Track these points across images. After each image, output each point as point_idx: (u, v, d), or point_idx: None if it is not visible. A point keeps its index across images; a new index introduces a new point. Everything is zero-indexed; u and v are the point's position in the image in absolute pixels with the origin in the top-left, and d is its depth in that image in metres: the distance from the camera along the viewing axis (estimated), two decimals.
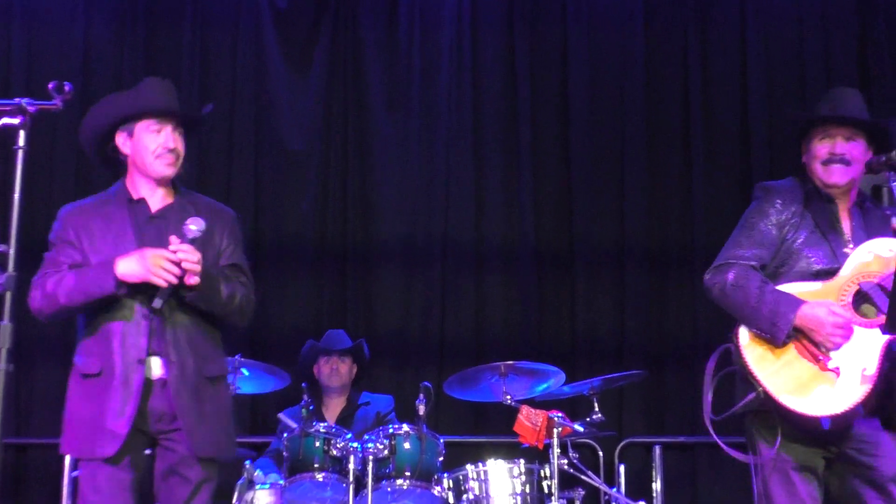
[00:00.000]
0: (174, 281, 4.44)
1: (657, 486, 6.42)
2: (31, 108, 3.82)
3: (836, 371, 4.33)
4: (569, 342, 8.09)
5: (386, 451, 6.08)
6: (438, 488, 6.14)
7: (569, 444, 6.28)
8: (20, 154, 3.81)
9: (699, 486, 7.97)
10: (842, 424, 4.36)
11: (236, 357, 6.15)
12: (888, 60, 8.38)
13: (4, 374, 3.62)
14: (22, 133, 3.82)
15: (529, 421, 6.00)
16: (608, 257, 8.25)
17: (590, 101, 8.42)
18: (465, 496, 6.13)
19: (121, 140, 4.72)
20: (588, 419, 6.25)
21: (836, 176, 4.59)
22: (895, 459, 4.41)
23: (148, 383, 4.50)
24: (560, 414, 6.03)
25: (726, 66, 8.47)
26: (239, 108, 8.33)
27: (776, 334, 4.36)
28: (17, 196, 3.79)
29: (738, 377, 4.50)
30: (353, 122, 8.37)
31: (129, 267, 4.44)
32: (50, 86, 3.87)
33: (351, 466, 5.99)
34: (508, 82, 8.43)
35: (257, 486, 6.14)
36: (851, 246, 4.53)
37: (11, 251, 3.70)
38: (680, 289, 8.18)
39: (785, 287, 4.47)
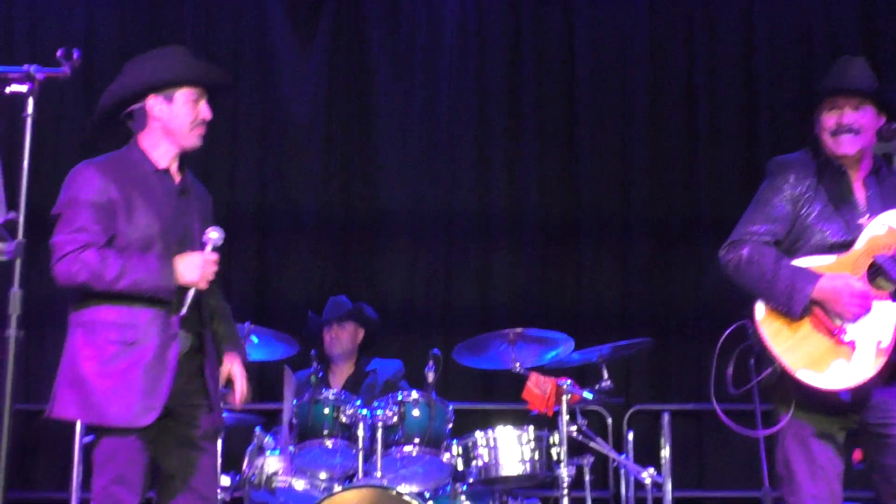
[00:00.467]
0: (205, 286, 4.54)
1: (665, 452, 6.41)
2: (39, 75, 3.81)
3: (852, 344, 4.35)
4: (574, 312, 8.11)
5: (395, 418, 6.08)
6: (447, 455, 6.15)
7: (577, 411, 6.26)
8: (28, 121, 3.80)
9: (707, 452, 8.00)
10: (861, 394, 4.37)
11: (245, 324, 6.15)
12: (893, 27, 8.33)
13: (15, 340, 3.63)
14: (30, 100, 3.80)
15: (538, 388, 6.00)
16: (613, 227, 8.26)
17: (594, 71, 8.40)
18: (473, 463, 6.13)
19: (155, 104, 4.61)
20: (597, 386, 6.25)
21: (844, 146, 4.58)
22: None
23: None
24: (569, 381, 6.03)
25: (731, 35, 8.45)
26: (242, 77, 8.31)
27: (793, 308, 4.37)
28: (25, 164, 3.79)
29: (755, 353, 4.49)
30: (357, 92, 8.36)
31: (188, 273, 4.48)
32: (58, 52, 3.84)
33: (360, 433, 6.01)
34: (513, 51, 8.41)
35: (267, 453, 6.16)
36: (867, 216, 4.53)
37: (21, 218, 3.70)
38: (684, 258, 8.18)
39: (799, 261, 4.47)
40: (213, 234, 4.56)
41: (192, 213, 4.65)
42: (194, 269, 4.47)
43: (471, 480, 6.16)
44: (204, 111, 4.67)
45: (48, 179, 7.97)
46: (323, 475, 6.17)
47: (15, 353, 3.61)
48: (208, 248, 4.55)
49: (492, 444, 6.14)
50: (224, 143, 8.22)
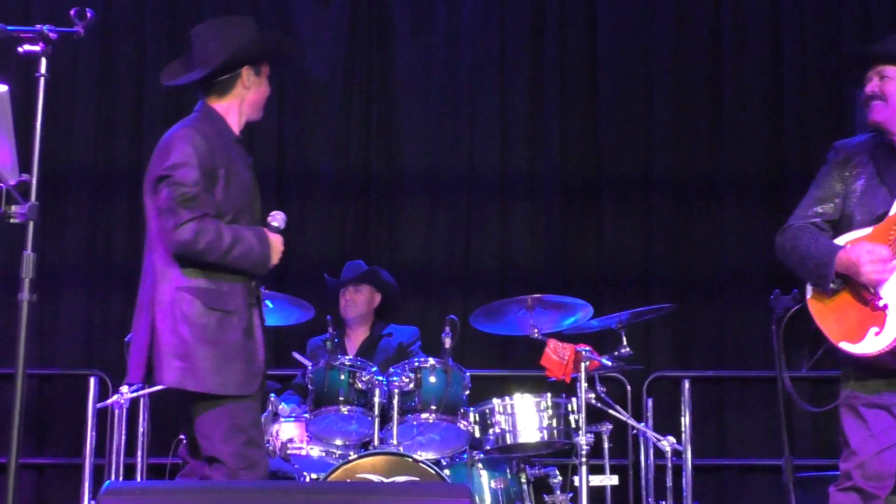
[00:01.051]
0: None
1: (685, 420, 6.36)
2: (52, 35, 3.77)
3: (886, 308, 4.42)
4: (594, 274, 8.05)
5: (411, 385, 6.05)
6: (464, 422, 6.12)
7: (596, 377, 6.23)
8: (42, 82, 3.77)
9: (728, 420, 7.95)
10: None
11: (260, 289, 6.09)
12: None
13: (28, 303, 3.60)
14: (43, 60, 3.77)
15: (556, 354, 5.95)
16: (635, 188, 8.18)
17: (618, 29, 8.32)
18: (491, 430, 6.11)
19: (249, 75, 4.75)
20: (616, 353, 6.20)
21: (872, 113, 4.63)
22: None
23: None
24: (587, 347, 5.98)
25: None
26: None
27: (823, 284, 4.50)
28: (38, 125, 3.75)
29: (811, 330, 4.60)
30: (377, 49, 8.28)
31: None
32: (72, 12, 3.80)
33: (376, 400, 5.97)
34: (536, 8, 8.32)
35: (282, 419, 6.13)
36: None
37: (34, 180, 3.67)
38: (707, 221, 8.11)
39: (843, 237, 4.57)
40: (275, 223, 4.70)
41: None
42: (275, 251, 4.65)
43: (487, 448, 6.13)
44: (268, 89, 4.85)
45: (61, 141, 7.95)
46: (338, 442, 6.14)
47: (28, 316, 3.57)
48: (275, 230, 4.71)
49: (509, 411, 6.12)
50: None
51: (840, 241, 4.55)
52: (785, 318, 4.64)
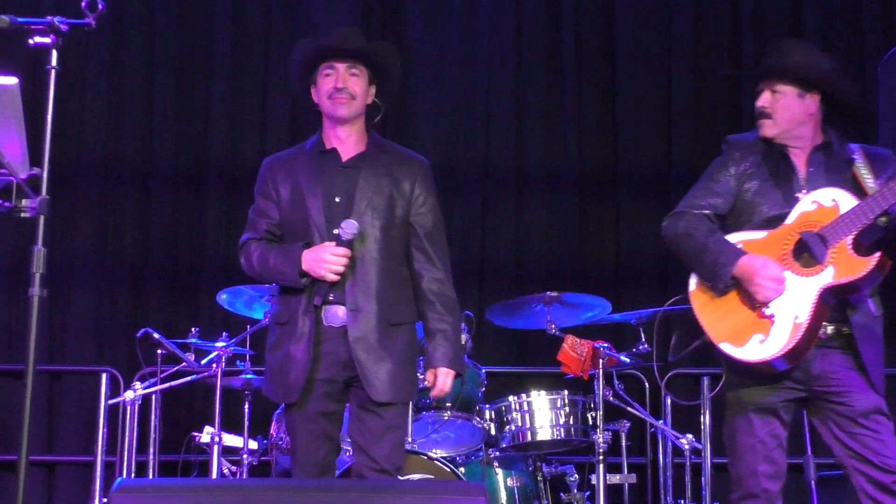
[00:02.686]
0: (335, 278, 4.52)
1: (705, 418, 6.30)
2: (63, 27, 3.72)
3: (772, 318, 4.42)
4: (612, 269, 8.01)
5: (426, 382, 5.98)
6: (480, 419, 6.10)
7: (614, 374, 6.21)
8: (52, 74, 3.73)
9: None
10: (794, 365, 4.44)
11: (272, 285, 6.03)
12: None
13: (38, 299, 3.56)
14: (54, 53, 3.72)
15: (574, 351, 5.92)
16: (653, 182, 8.12)
17: (636, 20, 8.29)
18: (507, 427, 6.09)
19: (314, 94, 4.76)
20: (634, 349, 6.15)
21: (762, 129, 4.67)
22: (865, 395, 4.48)
23: (334, 331, 4.57)
24: (606, 344, 5.94)
25: None
26: (274, 27, 8.19)
27: (716, 283, 4.50)
28: (49, 118, 3.72)
29: (687, 321, 4.65)
30: (391, 41, 8.21)
31: (310, 265, 4.52)
32: (83, 3, 3.74)
33: None
34: (552, 1, 8.25)
35: None
36: (804, 192, 4.55)
37: (44, 174, 3.63)
38: None
39: (733, 236, 4.57)
40: (347, 230, 4.52)
41: (360, 183, 4.66)
42: (315, 261, 4.51)
43: (503, 446, 6.12)
44: (336, 79, 4.68)
45: (72, 135, 7.90)
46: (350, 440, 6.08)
47: (38, 312, 3.52)
48: (335, 243, 4.55)
49: (525, 408, 6.11)
50: (256, 95, 8.16)
51: (731, 238, 4.55)
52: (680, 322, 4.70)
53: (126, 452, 6.26)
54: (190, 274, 7.91)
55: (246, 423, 6.28)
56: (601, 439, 5.83)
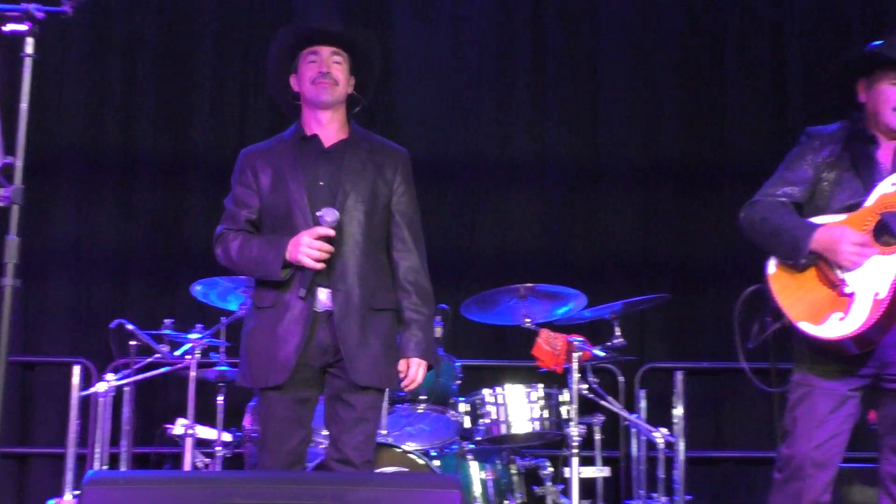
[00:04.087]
0: (316, 266, 4.47)
1: (678, 412, 6.32)
2: (38, 14, 3.70)
3: (851, 296, 4.42)
4: (592, 263, 8.00)
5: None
6: (454, 412, 6.11)
7: (588, 368, 6.22)
8: (28, 62, 3.71)
9: (721, 412, 7.92)
10: (866, 347, 4.43)
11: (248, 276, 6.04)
12: None
13: (12, 289, 3.55)
14: (30, 40, 3.70)
15: (549, 345, 5.93)
16: (635, 177, 8.14)
17: (621, 13, 8.27)
18: (481, 421, 6.09)
19: (294, 82, 4.75)
20: (608, 343, 6.17)
21: None
22: None
23: (317, 316, 4.56)
24: (580, 338, 5.95)
25: None
26: (259, 20, 8.17)
27: (796, 258, 4.48)
28: (24, 106, 3.72)
29: (768, 309, 4.59)
30: (378, 34, 8.18)
31: (291, 252, 4.50)
32: None
33: None
34: None
35: None
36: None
37: (18, 163, 3.63)
38: (709, 210, 8.08)
39: (814, 219, 4.56)
40: (328, 218, 4.51)
41: (343, 169, 4.65)
42: (294, 245, 4.49)
43: (478, 439, 6.12)
44: (320, 64, 4.67)
45: (50, 124, 7.86)
46: (326, 432, 6.06)
47: (11, 302, 3.51)
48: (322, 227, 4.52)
49: (500, 401, 6.10)
50: (238, 81, 8.15)
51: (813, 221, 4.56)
52: (744, 296, 4.66)
53: (98, 444, 6.24)
54: (169, 265, 7.88)
55: (219, 415, 6.26)
56: (575, 433, 5.85)
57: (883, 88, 4.59)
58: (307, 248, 4.45)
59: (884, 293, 4.36)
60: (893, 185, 4.49)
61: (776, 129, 8.14)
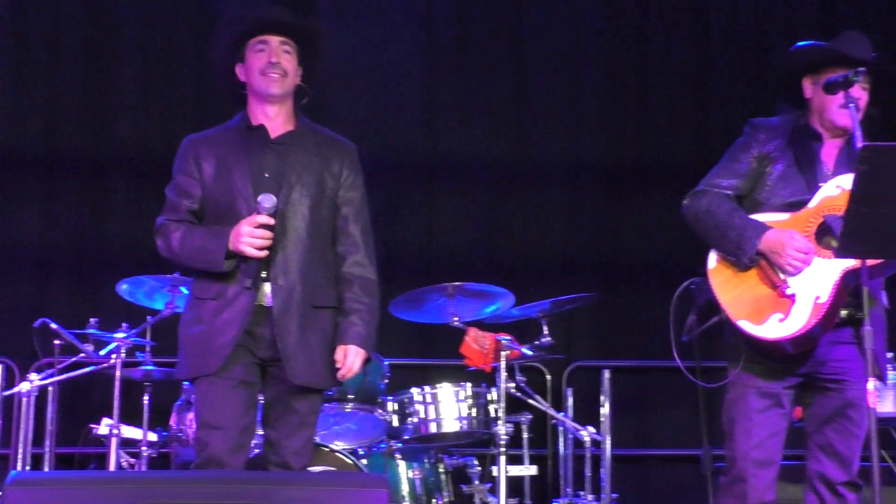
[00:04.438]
0: (258, 254, 4.39)
1: (605, 410, 6.36)
2: None
3: (793, 298, 4.44)
4: (519, 262, 8.00)
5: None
6: (382, 411, 6.09)
7: (516, 367, 6.23)
8: None
9: (648, 410, 7.97)
10: (804, 348, 4.46)
11: (175, 275, 5.99)
12: None
13: None
14: None
15: (477, 343, 5.92)
16: (561, 176, 8.15)
17: (545, 12, 8.26)
18: (409, 420, 6.09)
19: (240, 72, 4.65)
20: (536, 342, 6.19)
21: (847, 119, 4.54)
22: (859, 386, 4.45)
23: (259, 309, 4.47)
24: (508, 337, 5.95)
25: None
26: (184, 15, 8.09)
27: (740, 257, 4.50)
28: None
29: (708, 304, 4.60)
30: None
31: (233, 240, 4.41)
32: None
33: None
34: None
35: None
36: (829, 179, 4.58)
37: None
38: (635, 209, 8.11)
39: (756, 216, 4.57)
40: (266, 204, 4.42)
41: (290, 161, 4.59)
42: (235, 235, 4.41)
43: (406, 438, 6.12)
44: (269, 54, 4.59)
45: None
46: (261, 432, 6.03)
47: None
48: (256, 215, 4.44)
49: (428, 400, 6.11)
50: (163, 79, 8.02)
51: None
52: (681, 289, 4.67)
53: (21, 445, 6.16)
54: (91, 264, 7.79)
55: (145, 415, 6.21)
56: (503, 431, 5.84)
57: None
58: (247, 238, 4.37)
59: (824, 297, 4.39)
60: (838, 187, 4.50)
61: (700, 128, 8.20)
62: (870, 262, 4.23)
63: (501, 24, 8.30)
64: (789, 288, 4.43)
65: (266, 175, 4.52)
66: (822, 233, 4.48)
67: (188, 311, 4.60)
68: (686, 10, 8.33)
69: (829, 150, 4.65)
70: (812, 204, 4.52)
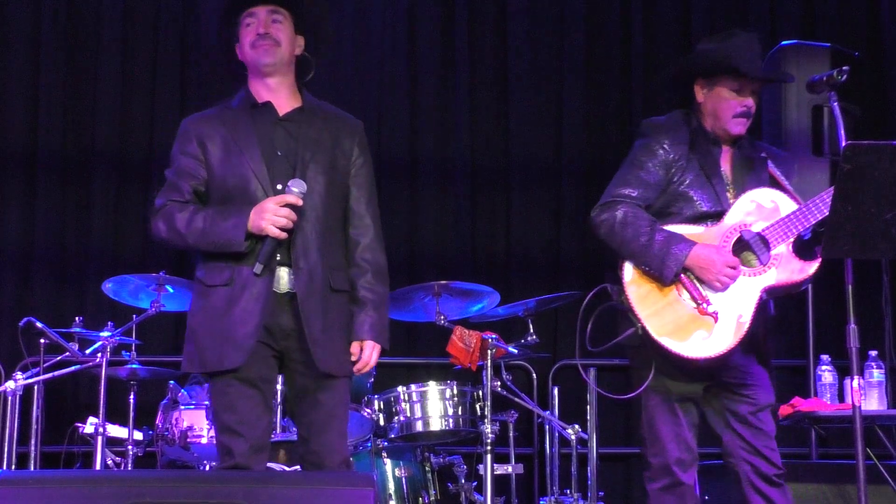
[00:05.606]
0: (279, 234, 4.20)
1: (591, 409, 6.37)
2: None
3: (715, 315, 4.46)
4: (504, 261, 8.01)
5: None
6: (368, 410, 6.10)
7: (502, 365, 6.23)
8: None
9: (634, 408, 7.94)
10: (719, 361, 4.50)
11: (160, 274, 5.99)
12: None
13: None
14: None
15: (463, 342, 5.91)
16: (545, 174, 8.15)
17: (529, 12, 8.27)
18: (395, 418, 6.09)
19: (239, 52, 4.47)
20: (522, 341, 6.18)
21: (741, 128, 4.63)
22: (768, 390, 4.61)
23: (275, 296, 4.27)
24: (494, 335, 5.94)
25: None
26: (164, 13, 8.08)
27: (665, 272, 4.45)
28: None
29: (619, 312, 4.61)
30: None
31: (255, 220, 4.20)
32: None
33: (279, 386, 5.84)
34: None
35: (182, 407, 6.02)
36: (731, 189, 4.61)
37: None
38: None
39: (670, 228, 4.54)
40: (295, 189, 4.24)
41: (301, 139, 4.39)
42: (257, 213, 4.20)
43: (392, 436, 6.13)
44: (257, 25, 4.39)
45: None
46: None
47: None
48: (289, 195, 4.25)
49: (414, 399, 6.12)
50: (145, 77, 8.00)
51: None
52: (590, 296, 4.67)
53: (7, 444, 6.15)
54: (76, 262, 7.77)
55: (131, 414, 6.20)
56: (489, 430, 5.82)
57: (724, 95, 4.62)
58: (272, 216, 4.17)
59: (746, 316, 4.43)
60: (753, 202, 4.53)
61: None
62: (785, 280, 4.39)
63: (485, 24, 8.30)
64: (711, 305, 4.44)
65: (280, 154, 4.33)
66: (740, 248, 4.51)
67: (197, 300, 4.36)
68: (668, 9, 8.34)
69: (726, 157, 4.67)
70: (728, 219, 4.52)
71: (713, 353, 4.42)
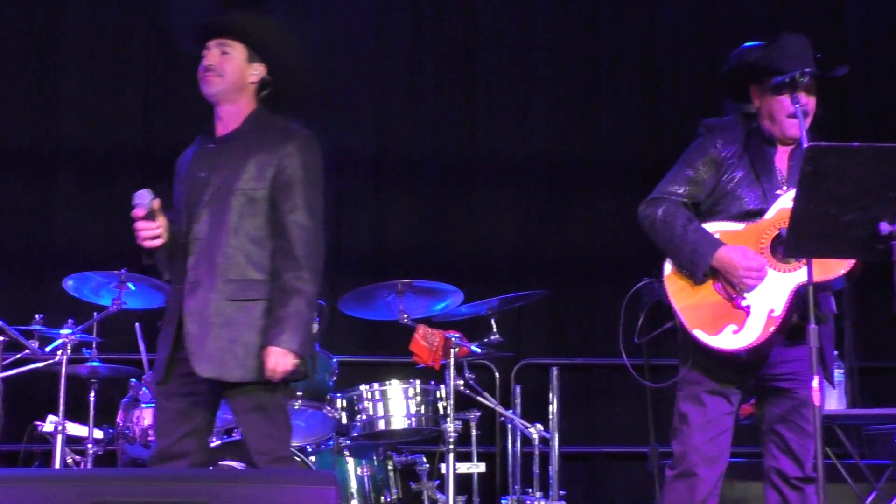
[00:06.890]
0: (151, 244, 4.45)
1: (553, 407, 6.38)
2: None
3: (747, 310, 4.48)
4: (468, 259, 8.03)
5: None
6: (331, 409, 6.08)
7: (465, 364, 6.23)
8: None
9: (596, 408, 8.01)
10: (756, 356, 4.51)
11: (122, 271, 5.96)
12: None
13: None
14: None
15: (426, 340, 5.93)
16: (511, 173, 8.17)
17: (497, 11, 8.27)
18: (358, 417, 6.09)
19: None
20: (485, 339, 6.19)
21: (797, 129, 4.57)
22: (809, 387, 4.44)
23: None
24: (457, 334, 5.96)
25: None
26: (131, 12, 8.05)
27: (694, 272, 4.53)
28: None
29: (664, 307, 4.63)
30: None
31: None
32: None
33: None
34: None
35: (143, 405, 5.99)
36: (785, 188, 4.60)
37: None
38: (582, 207, 8.15)
39: (711, 226, 4.59)
40: (137, 197, 4.47)
41: (227, 162, 4.52)
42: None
43: (355, 435, 6.13)
44: (204, 59, 4.56)
45: None
46: None
47: None
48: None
49: (377, 397, 6.11)
50: (108, 73, 8.00)
51: (708, 228, 4.58)
52: (633, 290, 4.70)
53: None
54: (37, 259, 7.73)
55: (91, 412, 6.16)
56: (451, 429, 5.85)
57: (778, 96, 4.60)
58: (138, 233, 4.44)
59: (778, 311, 4.43)
60: (793, 200, 4.40)
61: (649, 125, 8.25)
62: (818, 278, 4.25)
63: (452, 22, 8.31)
64: (744, 300, 4.47)
65: (202, 176, 4.49)
66: (777, 245, 4.50)
67: None
68: (636, 6, 8.36)
69: (782, 157, 4.67)
70: (768, 216, 4.54)
71: (742, 346, 4.44)
